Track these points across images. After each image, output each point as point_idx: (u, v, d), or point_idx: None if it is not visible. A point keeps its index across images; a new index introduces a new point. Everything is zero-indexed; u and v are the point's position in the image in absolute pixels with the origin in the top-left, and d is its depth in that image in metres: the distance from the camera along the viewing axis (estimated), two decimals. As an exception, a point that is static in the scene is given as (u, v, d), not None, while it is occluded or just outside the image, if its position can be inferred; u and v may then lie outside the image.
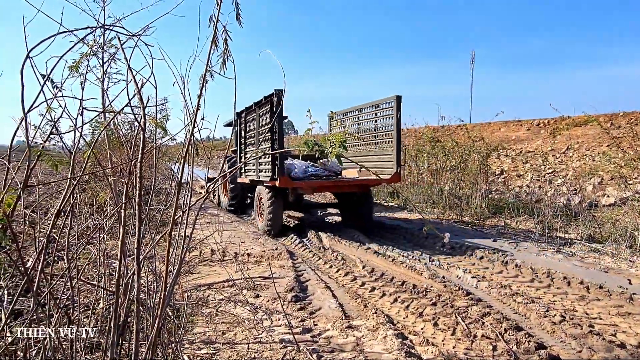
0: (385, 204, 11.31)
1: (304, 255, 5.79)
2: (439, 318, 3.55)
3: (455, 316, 3.56)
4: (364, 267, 5.08)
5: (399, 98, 7.05)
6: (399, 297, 4.08)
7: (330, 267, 5.18)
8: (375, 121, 7.75)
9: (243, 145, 8.90)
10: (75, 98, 2.06)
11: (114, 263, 4.98)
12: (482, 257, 5.58)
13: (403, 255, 5.47)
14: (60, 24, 1.84)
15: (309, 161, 7.95)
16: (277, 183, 6.56)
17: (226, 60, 1.48)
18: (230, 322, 3.39)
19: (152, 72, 1.70)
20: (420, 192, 10.93)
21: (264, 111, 7.30)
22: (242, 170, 8.68)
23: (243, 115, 8.59)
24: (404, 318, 3.63)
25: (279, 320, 3.39)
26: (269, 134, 6.89)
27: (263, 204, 7.39)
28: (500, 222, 8.26)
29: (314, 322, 3.41)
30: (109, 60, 2.94)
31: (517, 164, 16.44)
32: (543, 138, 18.40)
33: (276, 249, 5.69)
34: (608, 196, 10.10)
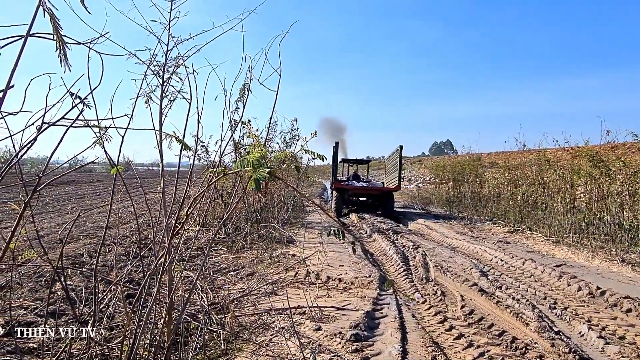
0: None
1: (400, 286, 5.26)
2: (526, 389, 2.76)
3: (551, 389, 2.72)
4: (462, 307, 4.35)
5: (401, 147, 13.47)
6: (487, 351, 3.33)
7: (424, 302, 4.57)
8: (394, 160, 14.40)
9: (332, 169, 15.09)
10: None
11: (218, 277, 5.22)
12: (629, 310, 4.31)
13: (513, 298, 4.52)
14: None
15: (364, 181, 14.84)
16: (334, 186, 13.78)
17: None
18: (275, 355, 3.15)
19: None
20: (571, 220, 9.17)
21: (334, 152, 14.12)
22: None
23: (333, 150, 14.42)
24: (479, 381, 2.92)
25: (324, 361, 3.03)
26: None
27: (333, 197, 13.94)
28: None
29: (361, 369, 2.96)
30: (169, 79, 3.05)
31: None
32: None
33: (369, 276, 5.27)
34: None
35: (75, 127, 1.74)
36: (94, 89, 1.83)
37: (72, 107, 1.74)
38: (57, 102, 1.70)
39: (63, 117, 1.71)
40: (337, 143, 13.88)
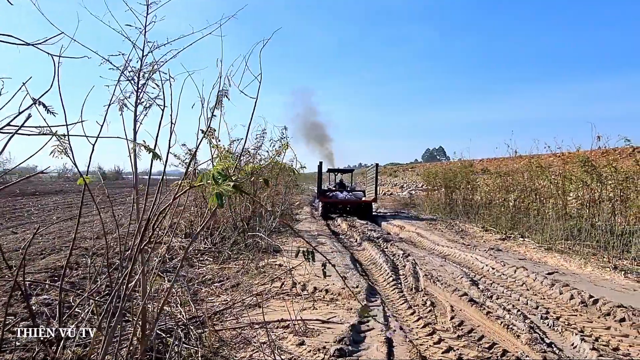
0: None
1: (388, 296, 5.13)
2: (517, 406, 2.63)
3: (542, 407, 2.60)
4: (452, 318, 4.22)
5: (377, 165, 16.11)
6: (476, 365, 3.20)
7: (413, 313, 4.44)
8: (371, 174, 16.95)
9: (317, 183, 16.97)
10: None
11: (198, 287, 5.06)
12: (623, 320, 4.20)
13: (504, 308, 4.40)
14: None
15: (348, 192, 16.34)
16: (320, 199, 15.70)
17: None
18: (255, 372, 3.00)
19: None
20: (563, 227, 9.08)
21: (319, 169, 16.07)
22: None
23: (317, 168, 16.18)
24: (467, 398, 2.78)
25: (305, 379, 2.88)
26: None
27: (320, 206, 15.67)
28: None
29: (344, 387, 2.82)
30: (144, 86, 2.92)
31: None
32: None
33: (357, 287, 5.14)
34: None
35: (23, 134, 1.60)
36: (46, 92, 1.69)
37: (20, 113, 1.61)
38: (1, 107, 1.56)
39: (8, 124, 1.57)
40: (320, 162, 16.31)
